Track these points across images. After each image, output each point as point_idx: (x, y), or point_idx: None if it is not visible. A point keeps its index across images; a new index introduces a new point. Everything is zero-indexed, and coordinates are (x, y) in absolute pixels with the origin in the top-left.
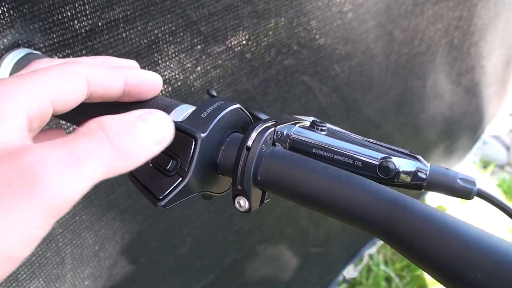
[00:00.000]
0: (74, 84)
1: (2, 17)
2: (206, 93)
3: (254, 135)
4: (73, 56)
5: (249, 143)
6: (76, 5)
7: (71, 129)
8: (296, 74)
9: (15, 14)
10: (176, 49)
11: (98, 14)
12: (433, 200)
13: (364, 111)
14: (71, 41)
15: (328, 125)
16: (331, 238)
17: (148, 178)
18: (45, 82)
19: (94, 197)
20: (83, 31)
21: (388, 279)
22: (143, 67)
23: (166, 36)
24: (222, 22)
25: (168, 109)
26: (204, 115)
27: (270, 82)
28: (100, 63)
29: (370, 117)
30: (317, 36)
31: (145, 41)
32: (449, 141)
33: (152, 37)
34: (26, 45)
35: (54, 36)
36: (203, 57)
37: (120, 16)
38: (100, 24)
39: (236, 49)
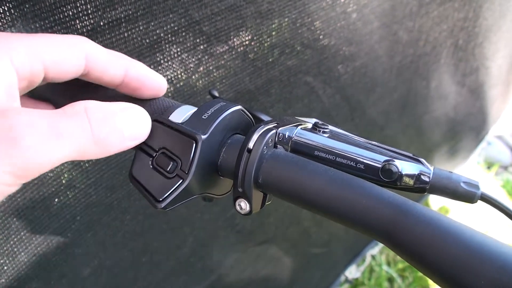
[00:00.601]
0: (72, 55)
1: (3, 16)
2: (208, 93)
3: (255, 137)
4: None
5: (250, 145)
6: (78, 4)
7: None
8: (300, 75)
9: (16, 13)
10: (178, 49)
11: (99, 13)
12: (436, 201)
13: (368, 112)
14: None
15: (330, 127)
16: (333, 239)
17: (148, 180)
18: (42, 45)
19: (95, 197)
20: (84, 30)
21: (391, 280)
22: None
23: (169, 36)
24: (225, 22)
25: (169, 110)
26: (205, 116)
27: (273, 83)
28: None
29: (374, 118)
30: (320, 37)
31: (147, 40)
32: (453, 142)
33: (154, 37)
34: None
35: None
36: (206, 57)
37: (122, 15)
38: (101, 23)
39: (239, 49)
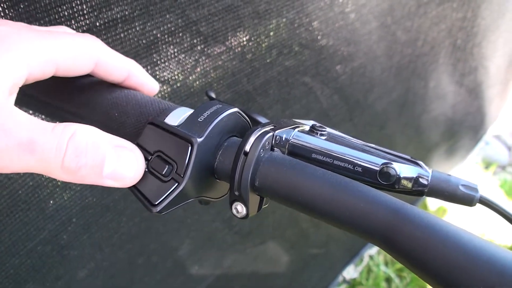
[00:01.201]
0: (84, 57)
1: None
2: (205, 94)
3: (252, 139)
4: None
5: (247, 148)
6: (74, 5)
7: None
8: (298, 75)
9: (11, 14)
10: (175, 50)
11: (95, 13)
12: (434, 201)
13: (366, 112)
14: None
15: (328, 129)
16: (331, 239)
17: (143, 183)
18: (57, 48)
19: (91, 199)
20: (80, 31)
21: (388, 280)
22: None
23: (165, 36)
24: (222, 23)
25: (164, 112)
26: (201, 119)
27: (271, 83)
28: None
29: (372, 118)
30: (319, 37)
31: (144, 41)
32: (451, 141)
33: (151, 38)
34: None
35: None
36: (203, 57)
37: (118, 16)
38: (98, 24)
39: (236, 50)
